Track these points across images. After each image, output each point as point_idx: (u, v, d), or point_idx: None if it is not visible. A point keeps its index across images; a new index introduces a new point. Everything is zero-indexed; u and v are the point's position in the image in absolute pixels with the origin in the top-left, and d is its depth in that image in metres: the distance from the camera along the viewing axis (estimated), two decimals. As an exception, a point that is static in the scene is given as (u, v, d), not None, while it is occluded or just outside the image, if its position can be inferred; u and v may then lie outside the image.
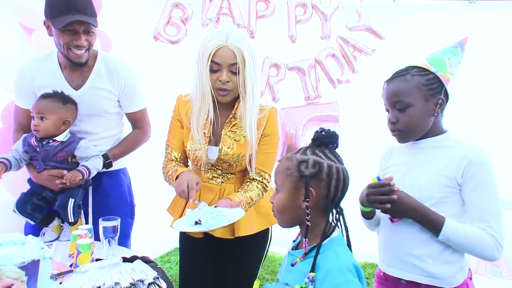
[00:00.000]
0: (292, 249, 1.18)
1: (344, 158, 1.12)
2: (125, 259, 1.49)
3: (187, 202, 1.67)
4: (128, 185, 2.15)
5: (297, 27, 2.77)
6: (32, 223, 1.84)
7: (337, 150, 1.13)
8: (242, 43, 1.51)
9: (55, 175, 1.78)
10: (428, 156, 1.34)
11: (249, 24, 2.72)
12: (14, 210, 1.81)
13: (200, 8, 2.69)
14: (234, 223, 1.55)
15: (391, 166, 1.44)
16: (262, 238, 1.74)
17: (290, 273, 1.11)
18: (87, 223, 1.91)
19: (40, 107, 1.78)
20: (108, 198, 1.99)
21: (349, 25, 2.80)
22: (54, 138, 1.79)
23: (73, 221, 1.81)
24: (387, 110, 1.37)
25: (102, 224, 1.60)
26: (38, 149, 1.79)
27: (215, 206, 1.52)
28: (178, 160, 1.72)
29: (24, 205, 1.80)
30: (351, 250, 1.11)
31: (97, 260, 1.52)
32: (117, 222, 1.62)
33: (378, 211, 1.39)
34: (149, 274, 1.39)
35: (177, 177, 1.59)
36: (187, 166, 1.77)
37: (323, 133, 1.12)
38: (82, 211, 1.89)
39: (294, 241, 1.22)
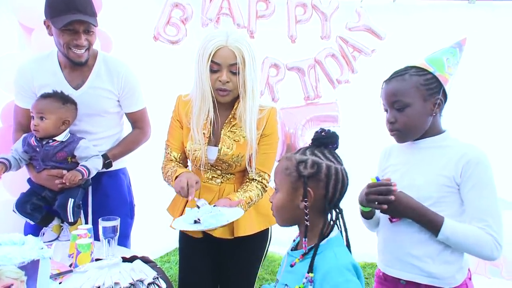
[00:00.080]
0: (291, 250, 1.18)
1: (343, 158, 1.13)
2: (124, 259, 1.49)
3: (187, 202, 1.67)
4: (128, 185, 2.15)
5: (297, 27, 2.78)
6: (32, 223, 1.84)
7: (336, 150, 1.14)
8: (242, 44, 1.52)
9: (55, 175, 1.78)
10: (426, 156, 1.34)
11: (249, 24, 2.73)
12: (13, 210, 1.81)
13: (200, 8, 2.70)
14: (233, 223, 1.55)
15: (390, 166, 1.44)
16: (261, 238, 1.74)
17: (290, 274, 1.12)
18: (86, 223, 1.91)
19: (40, 107, 1.78)
20: (107, 198, 1.99)
21: (349, 25, 2.80)
22: (53, 138, 1.79)
23: (72, 221, 1.81)
24: (386, 110, 1.38)
25: (101, 224, 1.60)
26: (37, 149, 1.79)
27: (214, 206, 1.52)
28: (178, 160, 1.72)
29: (23, 205, 1.80)
30: (350, 251, 1.11)
31: (96, 260, 1.52)
32: (116, 222, 1.62)
33: (377, 211, 1.40)
34: (148, 274, 1.39)
35: (176, 178, 1.59)
36: (186, 166, 1.77)
37: (323, 133, 1.12)
38: (81, 211, 1.89)
39: (294, 240, 1.23)
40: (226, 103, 1.61)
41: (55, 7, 1.72)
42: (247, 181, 1.67)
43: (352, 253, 1.11)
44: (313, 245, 1.08)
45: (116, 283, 1.30)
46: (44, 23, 1.81)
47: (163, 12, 2.66)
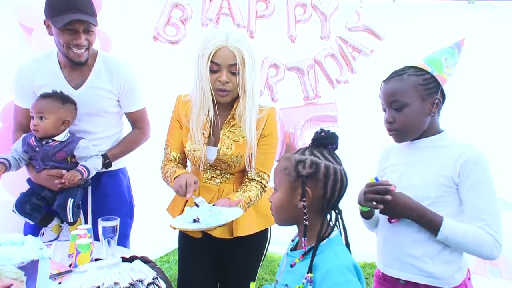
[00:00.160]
0: (291, 250, 1.18)
1: (343, 158, 1.13)
2: (124, 259, 1.49)
3: (186, 202, 1.67)
4: (128, 185, 2.15)
5: (296, 27, 2.78)
6: (32, 223, 1.84)
7: (335, 151, 1.14)
8: (242, 44, 1.52)
9: (54, 175, 1.78)
10: (424, 156, 1.34)
11: (248, 24, 2.73)
12: (13, 210, 1.81)
13: (200, 8, 2.70)
14: (233, 223, 1.55)
15: (389, 166, 1.44)
16: (261, 238, 1.74)
17: (290, 274, 1.12)
18: (86, 223, 1.91)
19: (40, 107, 1.78)
20: (107, 198, 1.99)
21: (349, 25, 2.81)
22: (53, 138, 1.79)
23: (72, 221, 1.81)
24: (384, 110, 1.38)
25: (101, 224, 1.60)
26: (37, 149, 1.79)
27: (213, 205, 1.53)
28: (177, 160, 1.72)
29: (23, 205, 1.80)
30: (349, 251, 1.11)
31: (96, 260, 1.52)
32: (116, 222, 1.62)
33: (377, 212, 1.40)
34: (148, 274, 1.39)
35: (175, 179, 1.59)
36: (185, 166, 1.77)
37: (322, 134, 1.12)
38: (81, 211, 1.89)
39: (292, 240, 1.23)
40: (226, 103, 1.61)
41: (55, 7, 1.73)
42: (246, 181, 1.67)
43: (352, 253, 1.11)
44: (313, 245, 1.08)
45: (115, 283, 1.30)
46: (44, 23, 1.81)
47: (163, 12, 2.66)
